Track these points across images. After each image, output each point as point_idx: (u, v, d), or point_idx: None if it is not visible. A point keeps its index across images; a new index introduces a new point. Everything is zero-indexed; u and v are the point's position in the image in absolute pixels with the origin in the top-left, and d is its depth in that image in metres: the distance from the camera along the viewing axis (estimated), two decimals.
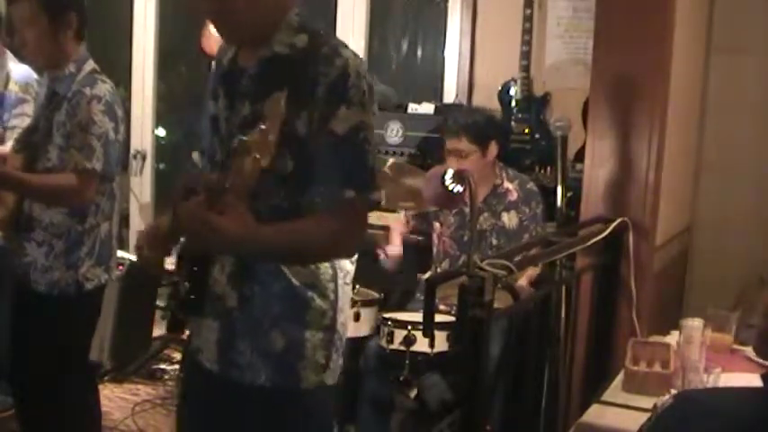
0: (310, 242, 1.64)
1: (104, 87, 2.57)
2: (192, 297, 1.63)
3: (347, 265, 1.75)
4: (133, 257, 4.16)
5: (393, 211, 3.51)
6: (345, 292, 1.75)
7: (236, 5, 1.61)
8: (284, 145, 1.57)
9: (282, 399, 1.70)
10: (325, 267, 1.70)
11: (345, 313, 1.76)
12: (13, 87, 3.40)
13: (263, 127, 1.48)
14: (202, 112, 1.83)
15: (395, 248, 3.49)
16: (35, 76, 3.36)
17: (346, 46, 1.64)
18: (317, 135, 1.59)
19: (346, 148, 1.60)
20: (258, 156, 1.47)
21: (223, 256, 1.69)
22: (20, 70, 3.38)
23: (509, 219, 3.38)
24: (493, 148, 3.36)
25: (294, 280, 1.67)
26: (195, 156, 4.21)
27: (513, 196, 3.40)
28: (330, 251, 1.68)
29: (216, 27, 1.68)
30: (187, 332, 1.79)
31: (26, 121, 3.16)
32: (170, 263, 1.78)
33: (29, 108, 3.31)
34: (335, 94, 1.58)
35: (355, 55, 1.62)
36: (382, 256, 3.46)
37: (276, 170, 1.58)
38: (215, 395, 1.75)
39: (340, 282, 1.73)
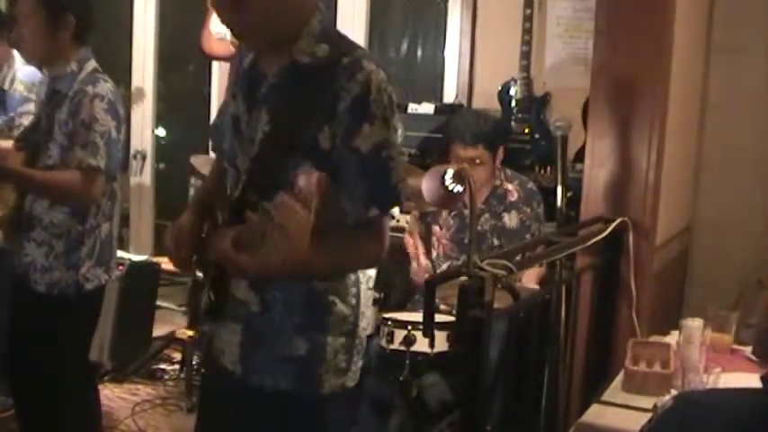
0: (335, 262, 1.65)
1: (106, 86, 2.57)
2: (214, 303, 1.66)
3: (369, 270, 1.77)
4: (134, 257, 4.17)
5: (401, 211, 3.52)
6: (368, 297, 1.76)
7: (256, 12, 1.58)
8: (306, 157, 1.59)
9: (303, 403, 1.70)
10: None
11: (367, 317, 1.77)
12: (18, 87, 3.41)
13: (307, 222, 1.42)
14: (225, 109, 1.81)
15: (423, 262, 3.48)
16: (41, 76, 3.36)
17: (369, 56, 1.63)
18: (341, 151, 1.59)
19: (370, 166, 1.60)
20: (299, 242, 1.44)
21: None
22: (26, 70, 3.39)
23: (510, 219, 3.38)
24: (500, 154, 3.38)
25: (316, 284, 1.68)
26: (194, 159, 4.21)
27: (514, 197, 3.40)
28: (354, 267, 1.70)
29: (234, 34, 1.67)
30: (192, 333, 1.80)
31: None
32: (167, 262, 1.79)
33: (34, 108, 3.31)
34: (358, 111, 1.57)
35: (377, 66, 1.61)
36: (414, 269, 3.46)
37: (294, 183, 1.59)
38: (236, 398, 1.75)
39: (362, 287, 1.74)
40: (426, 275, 3.43)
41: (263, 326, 1.69)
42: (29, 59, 2.81)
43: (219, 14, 1.63)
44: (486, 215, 3.38)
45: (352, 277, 1.71)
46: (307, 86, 1.62)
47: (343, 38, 1.69)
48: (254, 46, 1.72)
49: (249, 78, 1.74)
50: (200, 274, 1.70)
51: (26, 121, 3.24)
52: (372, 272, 1.79)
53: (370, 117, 1.57)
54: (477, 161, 3.29)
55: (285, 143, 1.61)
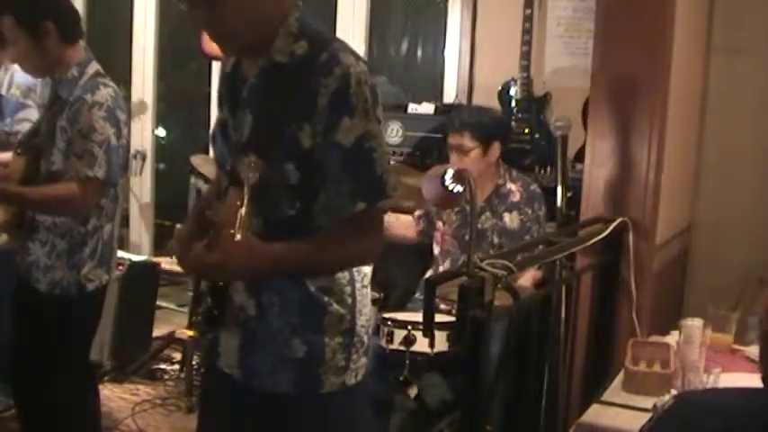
0: (326, 258, 1.64)
1: (106, 92, 2.54)
2: (216, 313, 1.65)
3: (364, 268, 1.74)
4: (134, 257, 4.17)
5: (398, 211, 3.53)
6: (364, 295, 1.74)
7: (229, 16, 1.57)
8: (289, 156, 1.59)
9: (304, 404, 1.70)
10: (341, 272, 1.70)
11: (366, 315, 1.75)
12: (15, 92, 3.39)
13: (237, 203, 1.52)
14: (217, 117, 1.82)
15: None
16: (39, 79, 3.35)
17: (347, 49, 1.61)
18: (323, 147, 1.58)
19: (353, 159, 1.58)
20: (232, 231, 1.51)
21: None
22: (24, 74, 3.38)
23: (510, 219, 3.38)
24: (495, 149, 3.37)
25: (310, 286, 1.67)
26: (194, 159, 4.22)
27: (516, 197, 3.40)
28: (348, 263, 1.68)
29: (212, 38, 1.65)
30: (192, 333, 1.81)
31: (28, 128, 3.16)
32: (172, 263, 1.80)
33: (31, 113, 3.30)
34: (337, 105, 1.56)
35: (357, 59, 1.59)
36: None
37: (281, 182, 1.60)
38: (236, 401, 1.75)
39: (358, 285, 1.72)
40: (410, 231, 3.51)
41: (260, 329, 1.69)
42: (34, 75, 2.82)
43: (198, 18, 1.61)
44: (488, 213, 3.38)
45: (346, 276, 1.70)
46: (286, 86, 1.61)
47: (322, 34, 1.67)
48: (232, 49, 1.72)
49: (232, 82, 1.74)
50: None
51: (22, 128, 3.23)
52: (368, 269, 1.77)
53: (350, 110, 1.56)
54: (464, 149, 3.31)
55: (268, 144, 1.61)
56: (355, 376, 1.74)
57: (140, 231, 5.50)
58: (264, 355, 1.69)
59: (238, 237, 1.52)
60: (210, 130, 1.85)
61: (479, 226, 3.33)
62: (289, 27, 1.64)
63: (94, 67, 2.62)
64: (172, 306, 4.92)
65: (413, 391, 2.94)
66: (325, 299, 1.68)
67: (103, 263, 2.65)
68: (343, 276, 1.69)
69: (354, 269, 1.72)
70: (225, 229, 1.52)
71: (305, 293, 1.67)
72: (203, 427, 1.91)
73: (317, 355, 1.68)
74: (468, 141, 3.32)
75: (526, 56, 3.90)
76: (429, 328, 2.42)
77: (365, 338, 1.76)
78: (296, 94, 1.59)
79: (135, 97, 5.37)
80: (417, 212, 3.59)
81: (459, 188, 2.51)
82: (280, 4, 1.64)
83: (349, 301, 1.71)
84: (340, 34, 4.47)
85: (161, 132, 5.68)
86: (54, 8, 2.58)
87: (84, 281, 2.60)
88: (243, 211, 1.53)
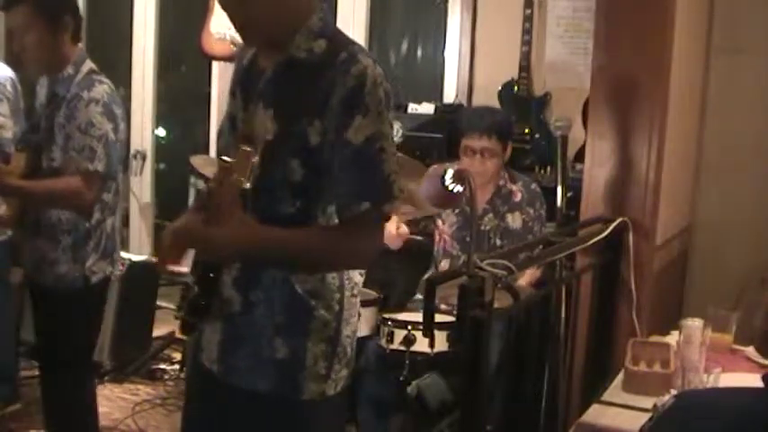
0: (322, 251, 1.62)
1: (102, 89, 2.57)
2: (203, 303, 1.64)
3: (355, 276, 1.73)
4: (134, 257, 4.17)
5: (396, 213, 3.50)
6: (352, 304, 1.72)
7: (256, 8, 1.59)
8: (295, 153, 1.59)
9: (281, 407, 1.68)
10: (332, 277, 1.68)
11: (352, 326, 1.73)
12: None
13: (247, 149, 1.50)
14: (226, 109, 1.82)
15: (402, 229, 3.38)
16: (9, 74, 3.34)
17: (366, 52, 1.62)
18: (333, 144, 1.57)
19: (362, 158, 1.57)
20: (241, 177, 1.49)
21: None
22: None
23: (513, 220, 3.39)
24: (509, 149, 3.39)
25: (298, 288, 1.65)
26: (194, 159, 4.22)
27: (517, 197, 3.41)
28: (342, 262, 1.66)
29: (236, 28, 1.66)
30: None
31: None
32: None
33: (1, 107, 3.29)
34: (351, 103, 1.56)
35: (374, 62, 1.60)
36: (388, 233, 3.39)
37: (284, 179, 1.59)
38: (215, 397, 1.74)
39: (347, 293, 1.71)
40: (400, 242, 3.38)
41: (243, 326, 1.68)
42: (35, 69, 2.81)
43: (224, 7, 1.63)
44: (490, 215, 3.38)
45: (336, 282, 1.68)
46: (301, 81, 1.62)
47: (342, 35, 1.68)
48: (256, 41, 1.72)
49: (248, 75, 1.74)
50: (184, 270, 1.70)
51: None
52: (359, 278, 1.76)
53: (363, 109, 1.56)
54: (491, 153, 3.31)
55: (278, 138, 1.61)
56: (335, 387, 1.71)
57: (140, 231, 5.50)
58: (246, 353, 1.68)
59: (247, 185, 1.50)
60: (218, 127, 1.85)
61: (482, 228, 3.33)
62: (311, 25, 1.65)
63: (89, 65, 2.65)
64: (172, 306, 4.91)
65: (413, 391, 2.94)
66: (312, 302, 1.66)
67: (107, 255, 2.68)
68: (332, 282, 1.68)
69: (345, 277, 1.70)
70: (234, 174, 1.50)
71: (292, 294, 1.65)
72: (186, 422, 1.90)
73: (298, 358, 1.66)
74: (494, 144, 3.31)
75: (526, 56, 3.90)
76: (429, 328, 2.42)
77: (348, 350, 1.73)
78: (310, 91, 1.59)
79: (135, 97, 5.37)
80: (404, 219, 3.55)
81: (459, 188, 2.51)
82: (306, 1, 1.66)
83: (336, 308, 1.69)
84: None
85: (161, 132, 5.68)
86: (74, 5, 2.63)
87: (89, 273, 2.64)
88: (255, 159, 1.51)
